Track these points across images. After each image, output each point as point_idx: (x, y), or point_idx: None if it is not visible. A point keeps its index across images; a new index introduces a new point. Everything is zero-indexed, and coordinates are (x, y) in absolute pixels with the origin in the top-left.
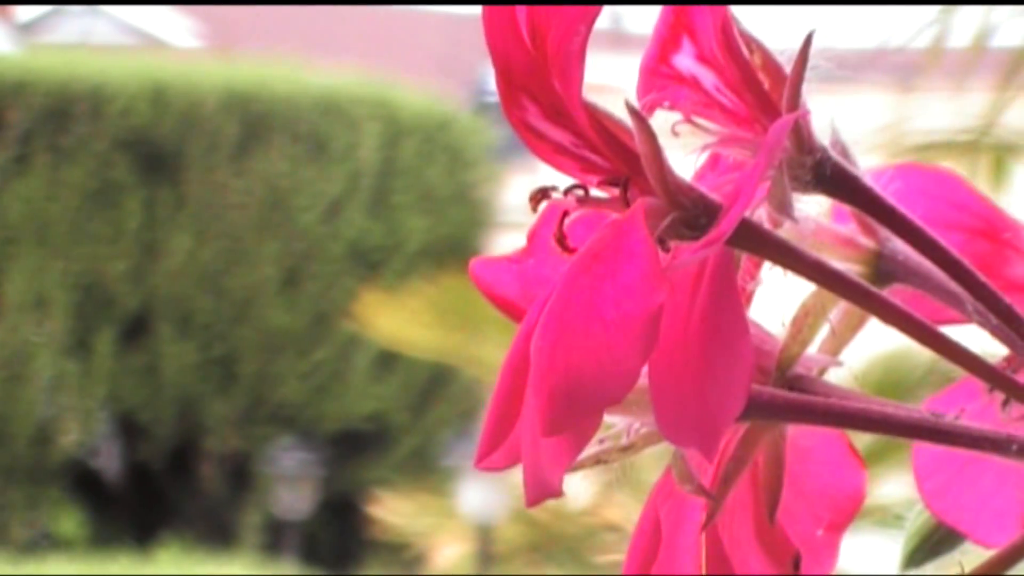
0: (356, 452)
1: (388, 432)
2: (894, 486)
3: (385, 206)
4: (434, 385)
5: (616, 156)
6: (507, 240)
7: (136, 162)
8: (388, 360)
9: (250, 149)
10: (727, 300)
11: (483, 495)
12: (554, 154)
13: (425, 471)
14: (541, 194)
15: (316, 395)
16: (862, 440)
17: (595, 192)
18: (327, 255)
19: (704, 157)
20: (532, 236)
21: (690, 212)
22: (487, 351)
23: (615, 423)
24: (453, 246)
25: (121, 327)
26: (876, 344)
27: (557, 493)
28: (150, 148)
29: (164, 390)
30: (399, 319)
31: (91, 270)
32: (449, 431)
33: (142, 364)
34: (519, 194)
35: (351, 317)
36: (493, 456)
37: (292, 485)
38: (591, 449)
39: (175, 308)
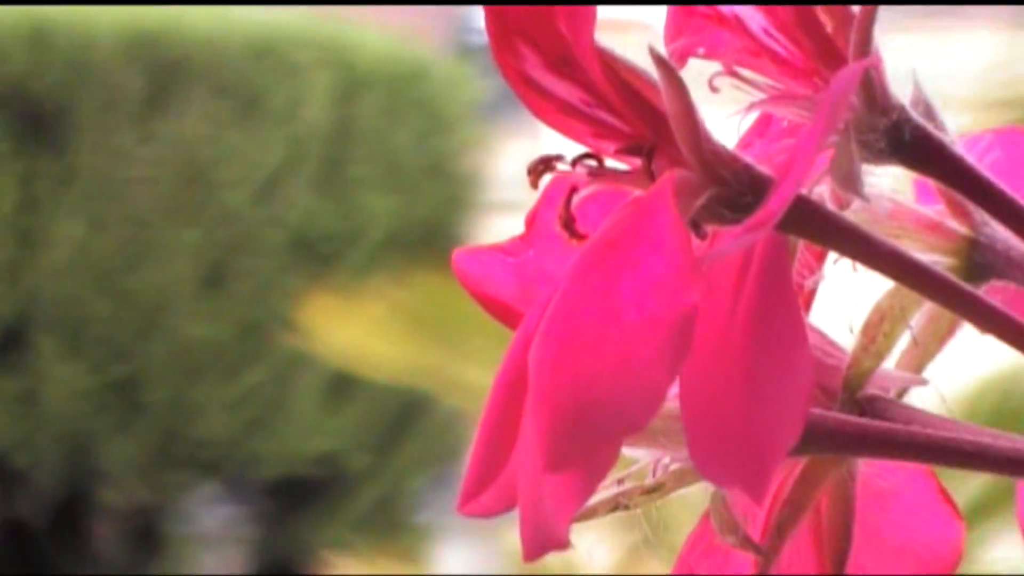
0: (301, 505)
1: (344, 479)
2: (1008, 548)
3: (339, 181)
4: (404, 418)
5: (638, 117)
6: (499, 225)
7: (9, 124)
8: (343, 385)
9: (159, 107)
10: (779, 300)
11: (468, 558)
12: (559, 115)
13: (392, 529)
14: (543, 165)
15: (248, 431)
16: (968, 487)
17: (611, 163)
18: (262, 246)
19: (750, 119)
20: (532, 220)
21: (731, 188)
22: (474, 372)
23: (637, 457)
24: (429, 234)
25: None
26: (980, 358)
27: (562, 544)
28: (27, 106)
29: (46, 424)
30: (358, 331)
31: None
32: (423, 477)
33: (17, 390)
34: (515, 165)
35: (294, 328)
36: (481, 499)
37: (216, 549)
38: (607, 491)
39: (61, 316)
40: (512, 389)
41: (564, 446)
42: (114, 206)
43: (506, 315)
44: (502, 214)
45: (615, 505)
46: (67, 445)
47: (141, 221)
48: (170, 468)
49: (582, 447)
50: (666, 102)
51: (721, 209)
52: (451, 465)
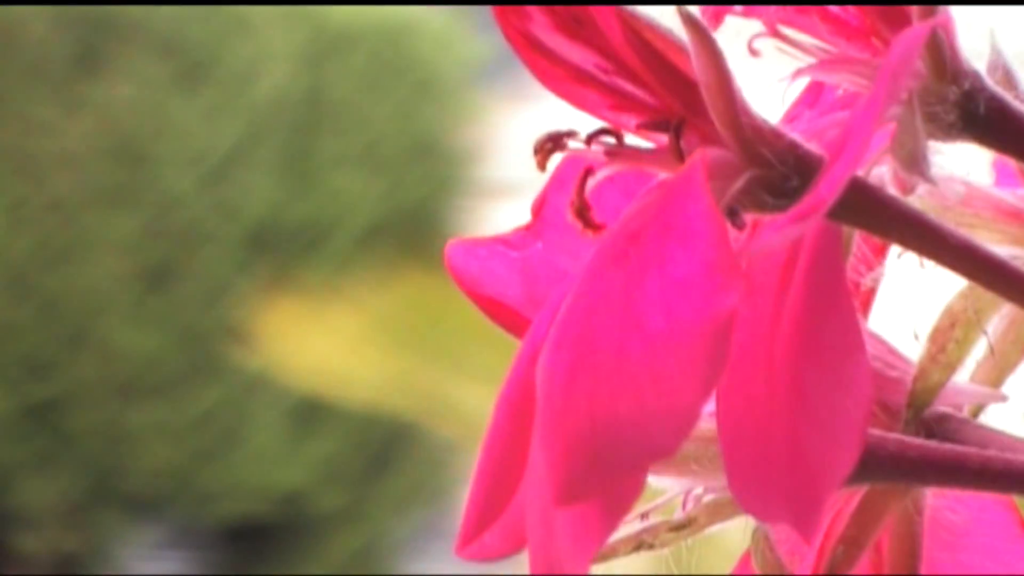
0: (261, 554)
1: (313, 523)
2: None
3: (307, 162)
4: (386, 449)
5: (664, 87)
6: (500, 213)
7: None
8: (312, 409)
9: (87, 71)
10: (832, 302)
11: None
12: (572, 83)
13: None
14: (553, 143)
15: (197, 464)
16: None
17: (633, 140)
18: (213, 240)
19: (797, 88)
20: (540, 207)
21: (775, 170)
22: (472, 393)
23: (665, 488)
24: (415, 225)
25: None
26: None
27: None
28: None
29: None
30: (330, 344)
31: None
32: (410, 521)
33: None
34: (518, 142)
35: (253, 340)
36: (483, 539)
37: None
38: (629, 527)
39: None
40: (518, 409)
41: (579, 476)
42: (35, 192)
43: (510, 321)
44: (503, 200)
45: (639, 543)
46: None
47: (66, 209)
48: (102, 509)
49: (600, 477)
50: (697, 69)
51: (762, 194)
52: (443, 506)
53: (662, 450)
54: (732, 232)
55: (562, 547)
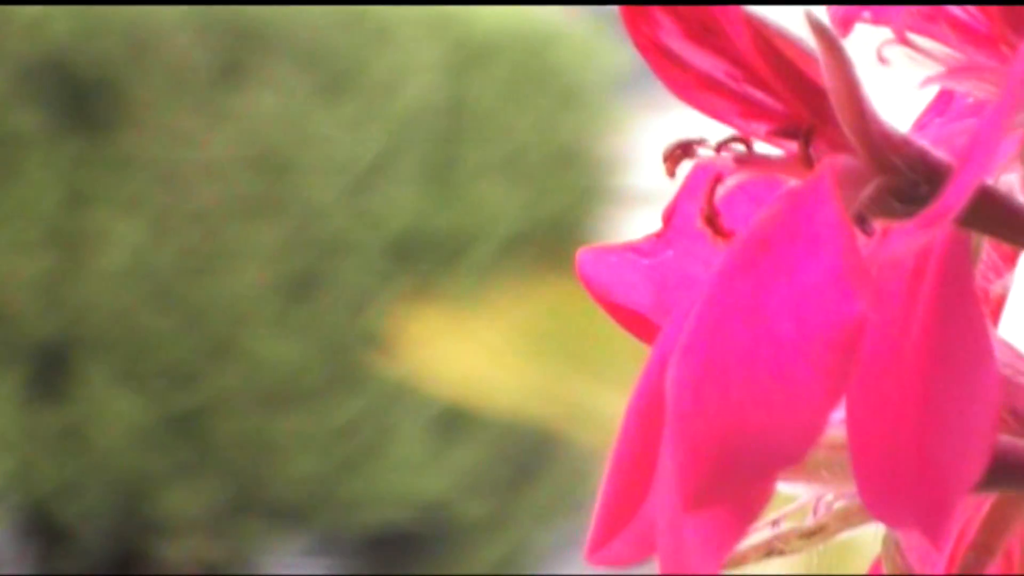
0: (404, 563)
1: (456, 532)
2: None
3: (450, 172)
4: (529, 458)
5: (793, 94)
6: (639, 222)
7: (51, 105)
8: (456, 418)
9: (233, 83)
10: (960, 309)
11: None
12: (701, 90)
13: None
14: (682, 151)
15: (340, 473)
16: None
17: (762, 147)
18: (357, 250)
19: (926, 95)
20: (670, 214)
21: (904, 177)
22: (613, 400)
23: (795, 494)
24: (558, 234)
25: (28, 369)
26: None
27: None
28: (72, 82)
29: (98, 467)
30: (473, 354)
31: None
32: (554, 530)
33: (60, 426)
34: (656, 151)
35: (397, 350)
36: (613, 545)
37: None
38: (759, 534)
39: (113, 336)
40: (647, 416)
41: (708, 483)
42: (179, 203)
43: (640, 328)
44: (642, 208)
45: (769, 550)
46: (121, 492)
47: (210, 219)
48: (246, 519)
49: (730, 483)
50: (826, 76)
51: (891, 201)
52: (586, 515)
53: (790, 456)
54: (861, 239)
55: (692, 552)
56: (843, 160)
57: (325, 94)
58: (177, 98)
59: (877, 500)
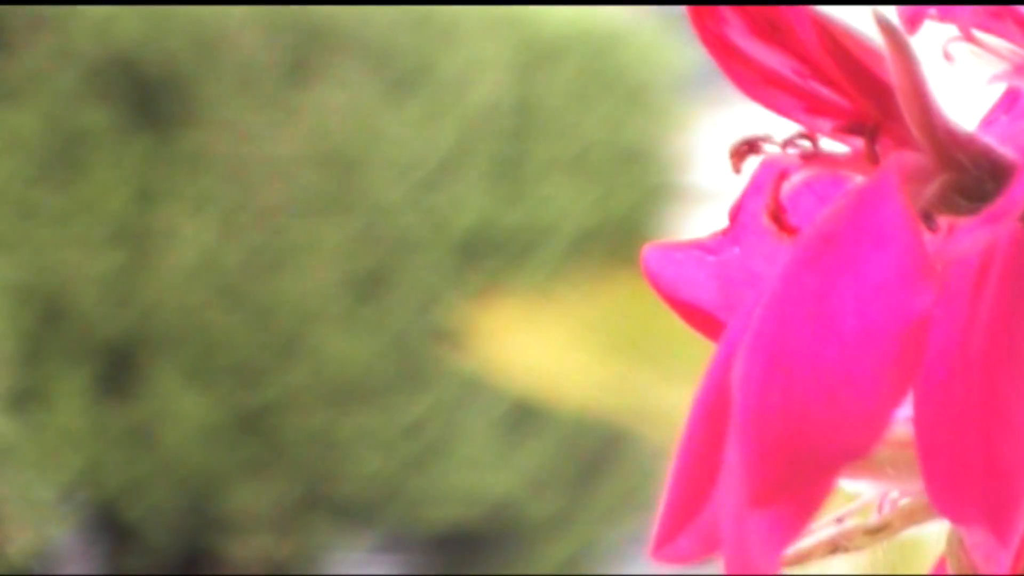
0: (472, 561)
1: (525, 530)
2: None
3: (518, 171)
4: (599, 455)
5: (859, 91)
6: (705, 219)
7: (121, 103)
8: (525, 416)
9: (300, 82)
10: None
11: None
12: (767, 86)
13: None
14: (748, 147)
15: (409, 472)
16: None
17: (827, 144)
18: (426, 248)
19: (993, 93)
20: (736, 212)
21: (969, 174)
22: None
23: (860, 491)
24: (627, 232)
25: (96, 367)
26: None
27: None
28: (142, 80)
29: (165, 466)
30: (543, 350)
31: (48, 274)
32: (623, 529)
33: (128, 425)
34: (722, 148)
35: (465, 347)
36: (678, 542)
37: None
38: (824, 530)
39: (181, 335)
40: (712, 413)
41: (772, 478)
42: (247, 200)
43: (705, 325)
44: (708, 205)
45: (834, 547)
46: (188, 490)
47: (277, 217)
48: (313, 517)
49: (793, 478)
50: (893, 74)
51: (957, 198)
52: (654, 513)
53: (855, 452)
54: (927, 235)
55: (755, 548)
56: (909, 157)
57: (393, 93)
58: (244, 96)
59: (943, 497)
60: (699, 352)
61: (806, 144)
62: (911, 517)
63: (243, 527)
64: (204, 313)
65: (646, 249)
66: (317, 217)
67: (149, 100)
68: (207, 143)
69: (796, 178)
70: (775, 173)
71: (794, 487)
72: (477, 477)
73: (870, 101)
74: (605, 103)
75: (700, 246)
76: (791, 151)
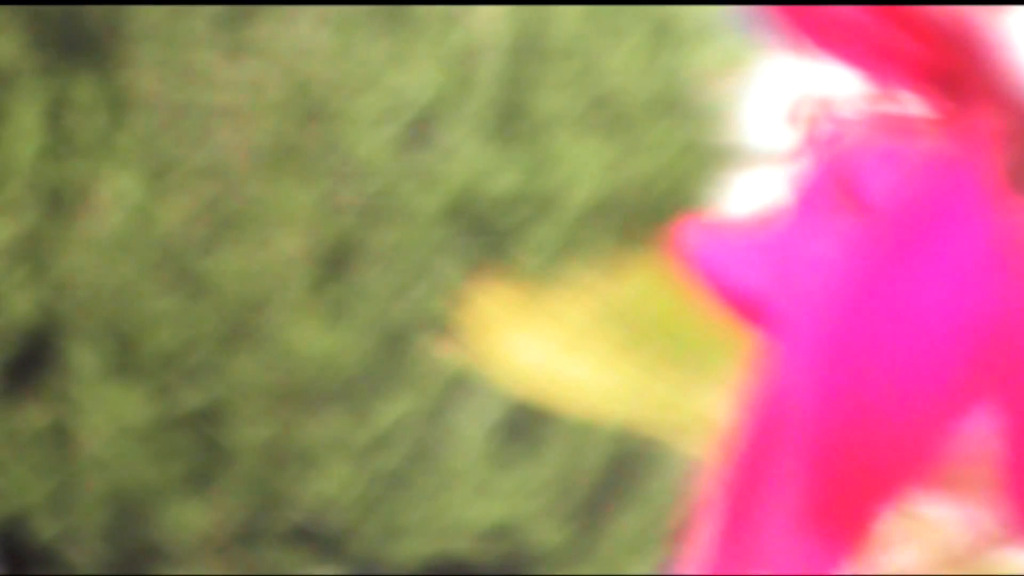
0: None
1: (527, 562)
2: None
3: (522, 121)
4: (618, 471)
5: (943, 44)
6: (745, 185)
7: (33, 32)
8: (527, 424)
9: (257, 11)
10: None
11: None
12: (837, 35)
13: None
14: (811, 107)
15: (383, 490)
16: None
17: (904, 105)
18: (408, 216)
19: None
20: (796, 182)
21: None
22: (719, 399)
23: (934, 515)
24: (656, 199)
25: (7, 355)
26: None
27: None
28: (56, 8)
29: (84, 476)
30: (549, 343)
31: None
32: (648, 563)
33: (41, 426)
34: (769, 102)
35: (454, 339)
36: (725, 562)
37: None
38: (906, 556)
39: (107, 317)
40: (763, 422)
41: (832, 498)
42: (186, 152)
43: (751, 312)
44: (754, 168)
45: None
46: (113, 507)
47: (225, 175)
48: (266, 544)
49: (854, 500)
50: (974, 28)
51: None
52: (684, 540)
53: (922, 469)
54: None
55: (806, 567)
56: (997, 123)
57: (370, 24)
58: (188, 28)
59: None
60: (734, 350)
61: (881, 105)
62: (993, 543)
63: (180, 554)
64: (132, 290)
65: (681, 224)
66: (276, 175)
67: (64, 32)
68: (135, 84)
69: (864, 144)
70: (843, 139)
71: (854, 509)
72: (468, 497)
73: (955, 57)
74: (629, 40)
75: (748, 222)
76: (862, 112)
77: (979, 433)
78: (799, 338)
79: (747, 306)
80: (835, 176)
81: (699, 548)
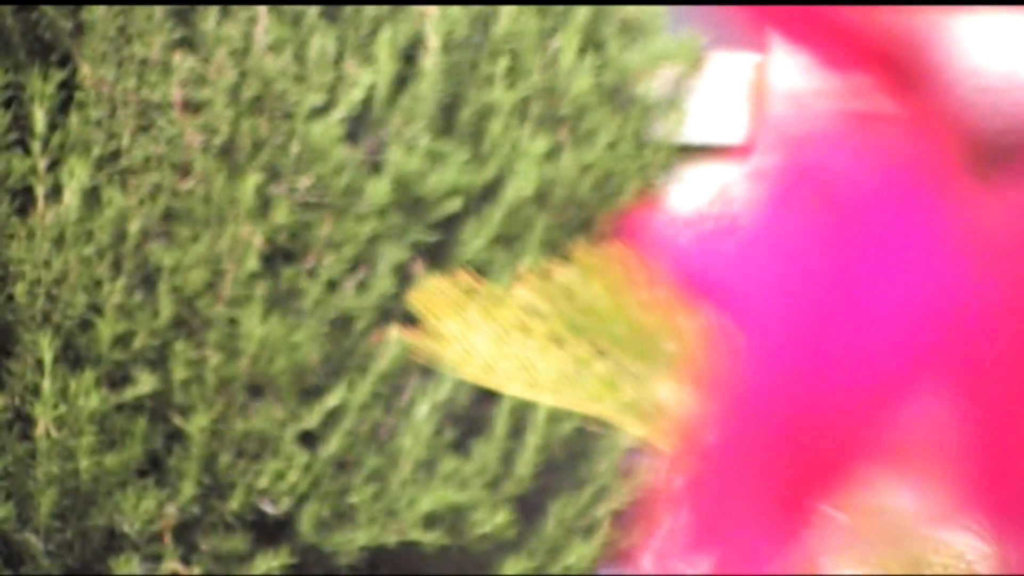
0: None
1: (476, 549)
2: None
3: (465, 111)
4: (564, 456)
5: (890, 42)
6: (699, 176)
7: None
8: (476, 409)
9: (207, 6)
10: None
11: None
12: (788, 31)
13: None
14: (774, 103)
15: (334, 477)
16: None
17: (860, 100)
18: (356, 205)
19: None
20: (758, 176)
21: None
22: (662, 385)
23: (883, 498)
24: (598, 189)
25: None
26: None
27: None
28: (17, 2)
29: (31, 466)
30: (496, 331)
31: None
32: (590, 542)
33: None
34: (720, 94)
35: (404, 326)
36: (691, 542)
37: None
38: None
39: (51, 307)
40: (724, 402)
41: (785, 476)
42: (137, 144)
43: (707, 301)
44: (703, 160)
45: None
46: (62, 497)
47: (175, 163)
48: (218, 531)
49: (805, 478)
50: (928, 29)
51: (990, 164)
52: (629, 525)
53: (875, 441)
54: (979, 204)
55: (756, 548)
56: (953, 123)
57: (316, 17)
58: (139, 21)
59: (986, 500)
60: (670, 337)
61: (845, 100)
62: (941, 524)
63: (129, 542)
64: (80, 279)
65: (640, 215)
66: (219, 166)
67: (16, 25)
68: (86, 76)
69: (825, 138)
70: (806, 133)
71: (811, 483)
72: (418, 484)
73: (902, 53)
74: (580, 30)
75: (711, 214)
76: (826, 106)
77: (929, 416)
78: (759, 326)
79: (711, 295)
80: (797, 169)
81: (663, 530)
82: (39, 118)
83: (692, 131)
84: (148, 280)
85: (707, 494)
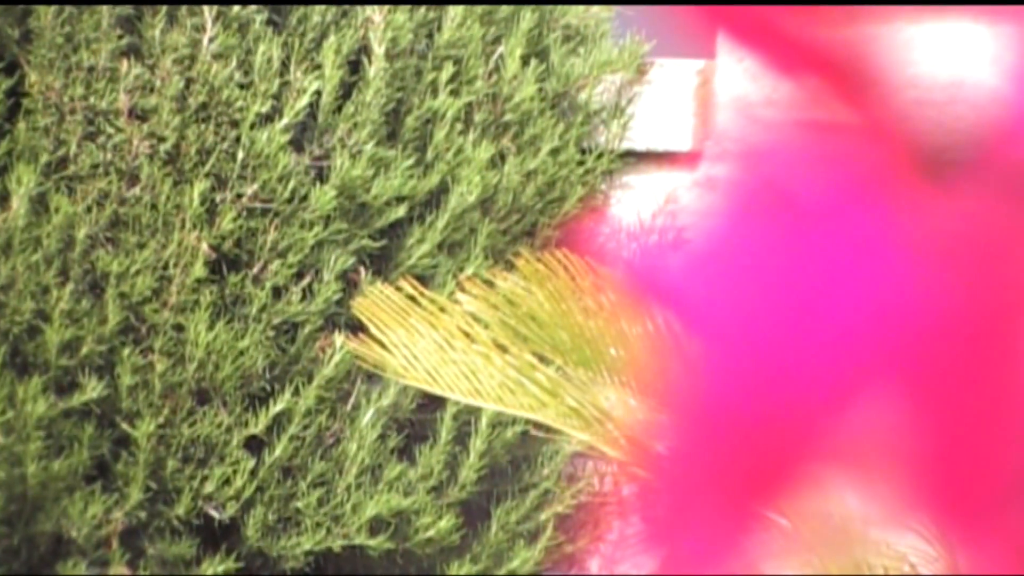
0: None
1: (423, 553)
2: None
3: (410, 120)
4: (509, 460)
5: (839, 48)
6: (642, 184)
7: None
8: (421, 415)
9: (153, 13)
10: None
11: None
12: (738, 37)
13: None
14: (732, 110)
15: (279, 482)
16: None
17: (813, 107)
18: (302, 212)
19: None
20: (711, 183)
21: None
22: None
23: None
24: (541, 197)
25: None
26: None
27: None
28: None
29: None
30: (440, 337)
31: None
32: (533, 546)
33: None
34: (663, 103)
35: (349, 333)
36: (652, 538)
37: None
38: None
39: (7, 312)
40: (684, 405)
41: (743, 474)
42: (87, 150)
43: (664, 312)
44: (646, 168)
45: None
46: (11, 501)
47: (124, 171)
48: (164, 536)
49: (760, 475)
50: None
51: (939, 170)
52: (577, 527)
53: (821, 442)
54: (936, 208)
55: (703, 547)
56: (908, 128)
57: (267, 24)
58: (86, 28)
59: (933, 500)
60: (625, 339)
61: (802, 109)
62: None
63: (77, 546)
64: (27, 286)
65: (593, 222)
66: (172, 172)
67: None
68: (33, 83)
69: (780, 145)
70: (765, 142)
71: (765, 480)
72: (364, 489)
73: (852, 60)
74: (526, 39)
75: (669, 221)
76: (779, 115)
77: (879, 420)
78: (710, 331)
79: (662, 301)
80: (748, 177)
81: (610, 534)
82: None
83: (637, 138)
84: (95, 287)
85: (655, 498)
